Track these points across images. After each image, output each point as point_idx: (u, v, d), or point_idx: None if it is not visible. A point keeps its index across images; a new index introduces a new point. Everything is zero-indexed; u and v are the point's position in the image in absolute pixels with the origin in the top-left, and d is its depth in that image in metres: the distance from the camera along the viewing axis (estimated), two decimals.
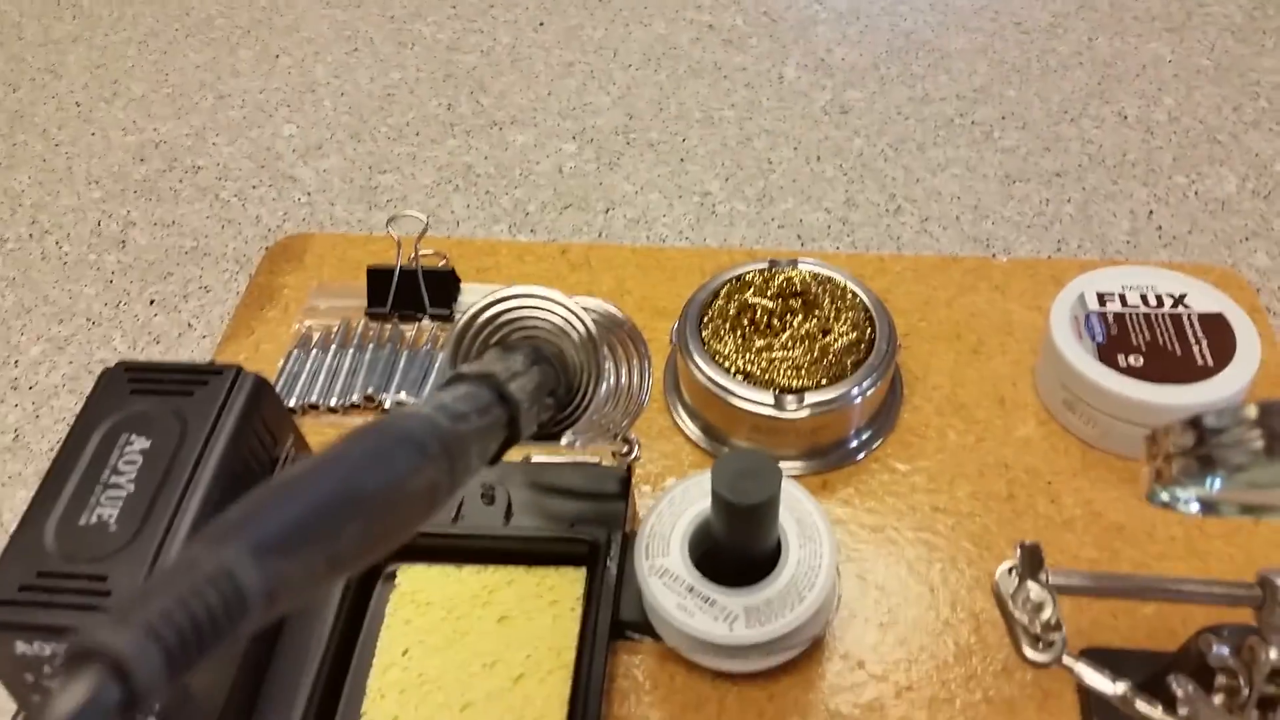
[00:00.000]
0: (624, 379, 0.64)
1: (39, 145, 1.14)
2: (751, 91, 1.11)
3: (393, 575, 0.68)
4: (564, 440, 0.56)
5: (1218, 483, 0.38)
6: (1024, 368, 0.76)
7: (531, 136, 1.07)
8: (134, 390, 0.60)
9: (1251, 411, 0.37)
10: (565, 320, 0.53)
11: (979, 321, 0.80)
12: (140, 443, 0.56)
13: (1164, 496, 0.41)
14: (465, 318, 0.52)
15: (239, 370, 0.63)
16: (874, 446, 0.75)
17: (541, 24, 1.24)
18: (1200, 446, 0.38)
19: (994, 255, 0.86)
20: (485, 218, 0.97)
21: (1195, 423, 0.39)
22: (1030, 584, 0.48)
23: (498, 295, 0.52)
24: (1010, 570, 0.49)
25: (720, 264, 0.85)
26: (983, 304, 0.81)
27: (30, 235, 1.00)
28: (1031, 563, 0.48)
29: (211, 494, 0.55)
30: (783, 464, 0.76)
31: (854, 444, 0.75)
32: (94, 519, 0.53)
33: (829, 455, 0.75)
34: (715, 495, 0.59)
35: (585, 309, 0.63)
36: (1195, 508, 0.40)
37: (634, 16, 1.24)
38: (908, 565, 0.66)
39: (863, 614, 0.64)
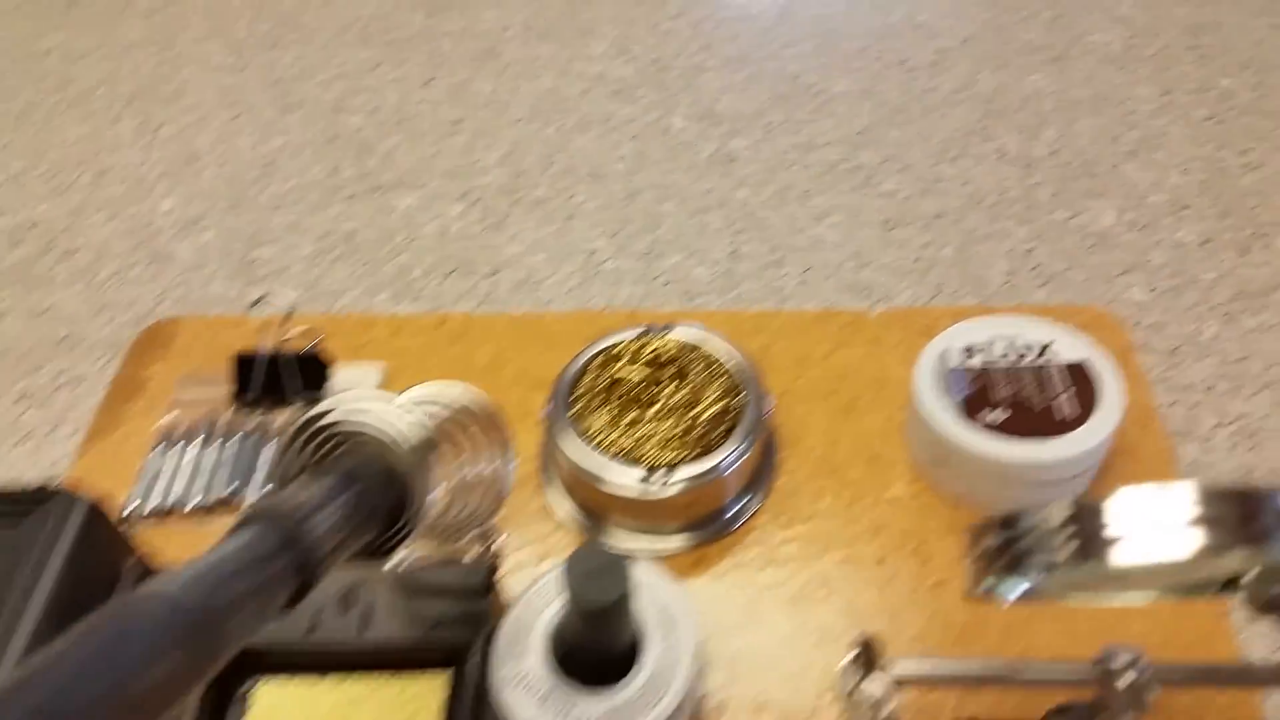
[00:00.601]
0: (482, 470, 0.63)
1: None
2: (639, 144, 1.11)
3: (245, 696, 0.65)
4: (399, 556, 0.54)
5: (1033, 581, 0.37)
6: (895, 424, 0.76)
7: (416, 199, 1.06)
8: None
9: (1062, 512, 0.36)
10: (392, 428, 0.51)
11: (853, 377, 0.80)
12: None
13: (982, 592, 0.40)
14: (287, 436, 0.50)
15: (69, 495, 0.60)
16: (750, 515, 0.73)
17: (429, 80, 1.23)
18: (1014, 546, 0.37)
19: (871, 307, 0.86)
20: (367, 287, 0.95)
21: (1009, 522, 0.38)
22: (869, 680, 0.47)
23: (318, 411, 0.50)
24: (854, 660, 0.49)
25: (601, 328, 0.84)
26: (857, 359, 0.81)
27: None
28: (868, 658, 0.47)
29: (41, 631, 0.53)
30: (660, 541, 0.75)
31: (731, 514, 0.74)
32: None
33: (707, 527, 0.73)
34: (569, 597, 0.57)
35: (431, 405, 0.62)
36: (1014, 598, 0.40)
37: (523, 70, 1.23)
38: (781, 643, 0.64)
39: (735, 701, 0.63)
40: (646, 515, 0.75)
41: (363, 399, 0.54)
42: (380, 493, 0.50)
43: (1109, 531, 0.35)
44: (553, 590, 0.62)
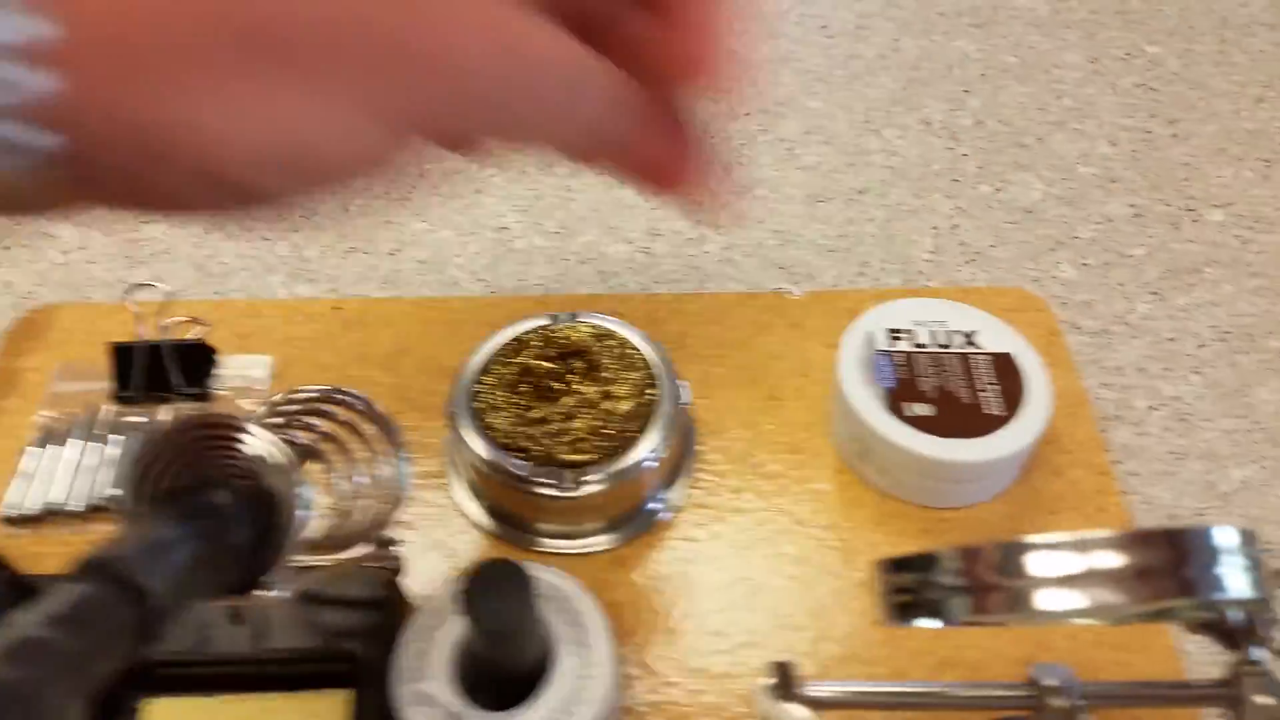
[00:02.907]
0: (378, 473, 0.59)
1: None
2: None
3: (134, 711, 0.61)
4: (269, 588, 0.49)
5: (953, 623, 0.35)
6: (819, 413, 0.73)
7: None
8: None
9: (987, 559, 0.34)
10: (261, 445, 0.47)
11: (775, 364, 0.76)
12: None
13: (899, 624, 0.37)
14: (135, 463, 0.45)
15: None
16: (669, 512, 0.71)
17: None
18: (930, 588, 0.35)
19: (792, 288, 0.83)
20: (259, 267, 0.89)
21: (924, 564, 0.35)
22: (789, 705, 0.44)
23: (164, 432, 0.45)
24: (766, 685, 0.45)
25: (509, 313, 0.80)
26: (779, 344, 0.78)
27: None
28: (785, 683, 0.44)
29: None
30: (583, 541, 0.71)
31: (650, 511, 0.71)
32: None
33: (625, 526, 0.70)
34: (467, 619, 0.53)
35: (315, 409, 0.57)
36: (935, 626, 0.37)
37: None
38: (705, 646, 0.61)
39: (660, 710, 0.59)
40: (560, 516, 0.72)
41: (212, 420, 0.49)
42: (241, 524, 0.46)
43: (1034, 580, 0.33)
44: (452, 603, 0.59)
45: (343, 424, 0.57)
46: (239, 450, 0.44)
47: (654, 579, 0.65)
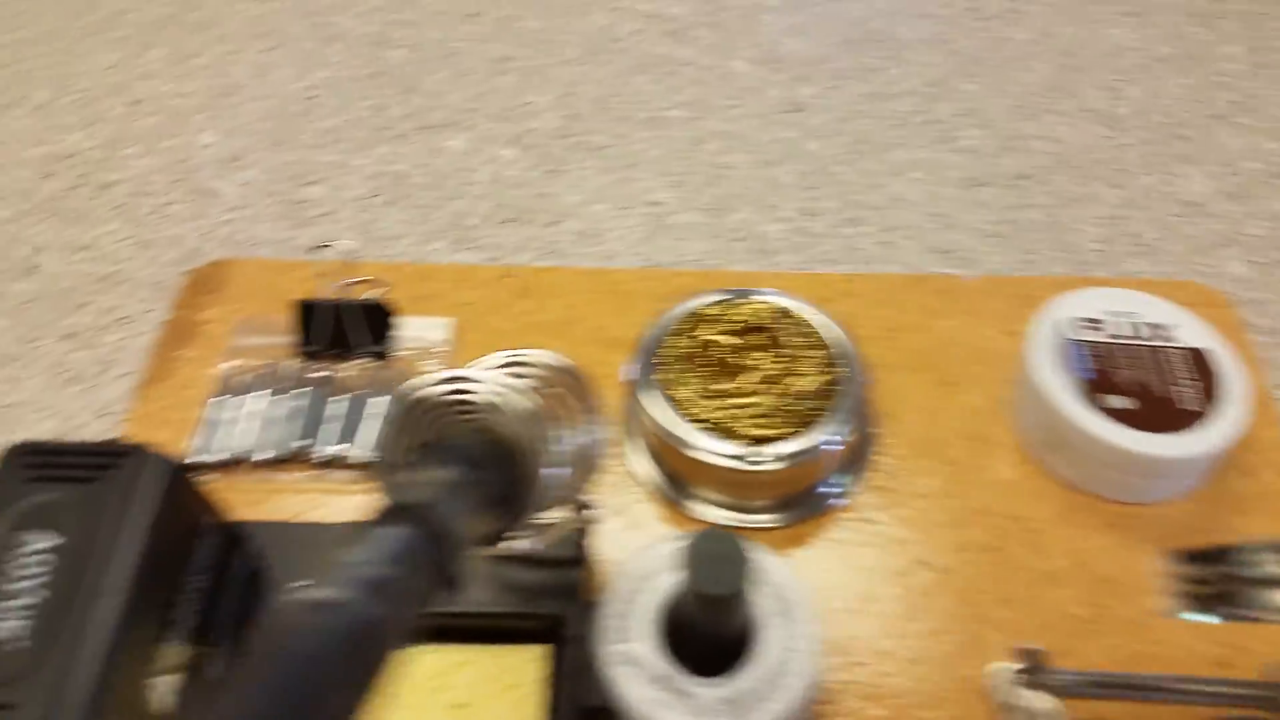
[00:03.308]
0: (578, 440, 0.59)
1: None
2: (700, 89, 1.06)
3: None
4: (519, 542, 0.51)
5: (1249, 617, 0.35)
6: (996, 400, 0.72)
7: (467, 141, 1.01)
8: (37, 478, 0.54)
9: (1265, 554, 0.33)
10: (508, 403, 0.48)
11: (950, 349, 0.76)
12: (42, 538, 0.51)
13: (1188, 617, 0.37)
14: (399, 410, 0.46)
15: (152, 453, 0.57)
16: (846, 494, 0.71)
17: (473, 14, 1.17)
18: (1225, 581, 0.35)
19: (962, 271, 0.82)
20: (421, 234, 0.91)
21: (1217, 557, 0.35)
22: (1035, 696, 0.44)
23: (426, 385, 0.46)
24: (1014, 671, 0.46)
25: (674, 288, 0.80)
26: (953, 329, 0.77)
27: None
28: (1034, 670, 0.44)
29: (128, 603, 0.50)
30: (749, 516, 0.71)
31: (824, 491, 0.71)
32: None
33: (799, 506, 0.70)
34: (688, 583, 0.54)
35: (522, 367, 0.58)
36: (1221, 620, 0.37)
37: (572, 5, 1.17)
38: (894, 629, 0.62)
39: (849, 689, 0.60)
40: (738, 489, 0.72)
41: (469, 375, 0.50)
42: (502, 476, 0.47)
43: None
44: (659, 566, 0.60)
45: (552, 392, 0.58)
46: (488, 407, 0.45)
47: (835, 559, 0.65)
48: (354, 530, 0.35)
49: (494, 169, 0.98)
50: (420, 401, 0.48)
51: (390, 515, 0.36)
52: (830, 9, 1.14)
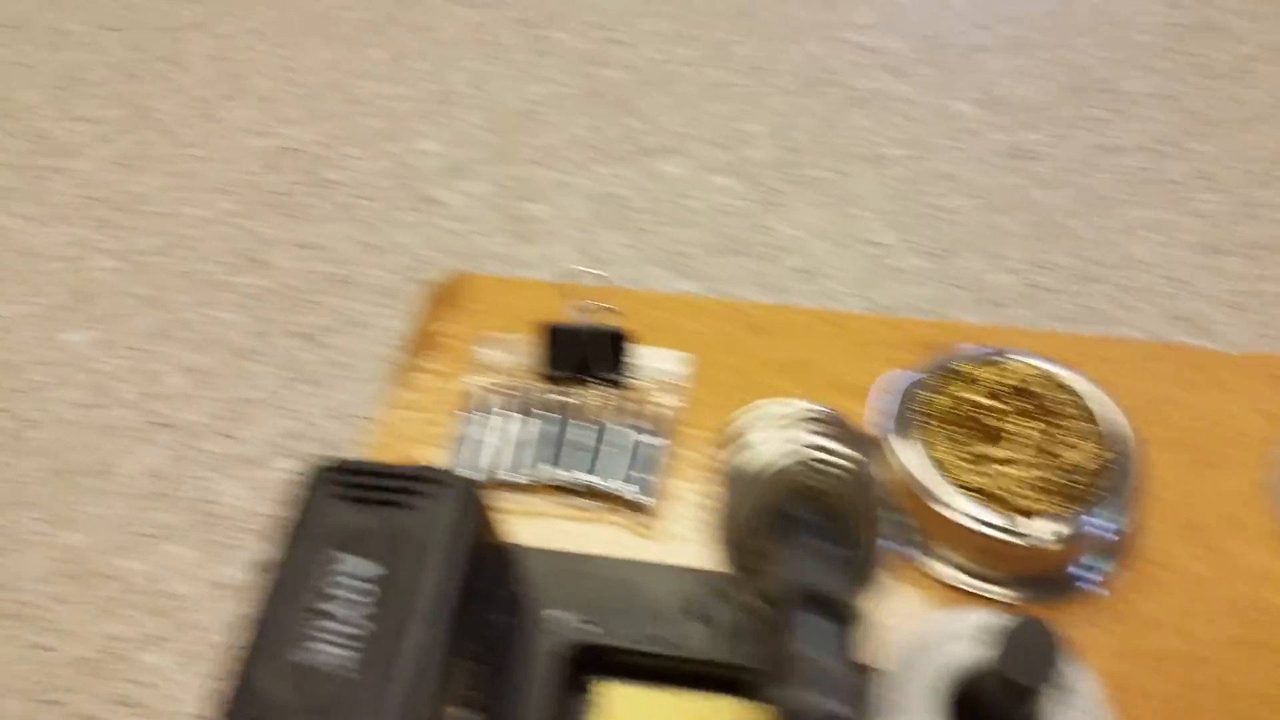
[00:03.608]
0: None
1: (165, 146, 1.10)
2: (920, 127, 1.05)
3: (587, 689, 0.63)
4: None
5: None
6: (1254, 484, 0.70)
7: (684, 167, 1.02)
8: (346, 498, 0.55)
9: None
10: (856, 471, 0.48)
11: (1208, 426, 0.74)
12: (361, 565, 0.52)
13: None
14: (744, 483, 0.46)
15: (461, 479, 0.58)
16: (1099, 575, 0.69)
17: (686, 37, 1.18)
18: None
19: (1213, 345, 0.80)
20: (641, 258, 0.91)
21: None
22: None
23: (775, 454, 0.46)
24: None
25: (909, 336, 0.79)
26: (1207, 404, 0.75)
27: (163, 249, 0.96)
28: None
29: (442, 631, 0.51)
30: (990, 587, 0.70)
31: (1075, 572, 0.70)
32: (315, 659, 0.48)
33: (1047, 584, 0.69)
34: (998, 668, 0.53)
35: (821, 424, 0.57)
36: None
37: (785, 33, 1.17)
38: None
39: None
40: (988, 558, 0.71)
41: (815, 441, 0.50)
42: (848, 549, 0.47)
43: None
44: (940, 639, 0.59)
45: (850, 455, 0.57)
46: (841, 478, 0.45)
47: (1094, 647, 0.64)
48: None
49: (711, 197, 0.98)
50: (778, 473, 0.47)
51: (810, 603, 0.36)
52: (1051, 54, 1.12)
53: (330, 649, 0.50)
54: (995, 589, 0.70)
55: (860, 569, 0.48)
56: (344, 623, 0.51)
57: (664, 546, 0.71)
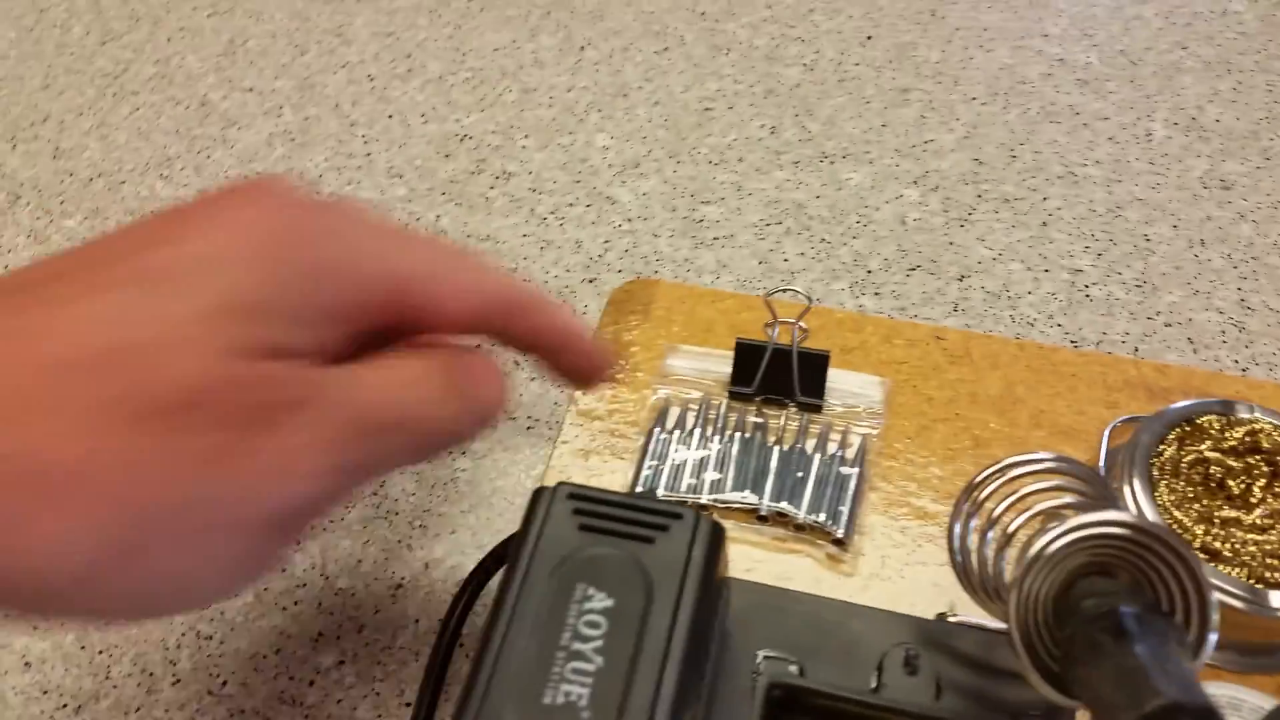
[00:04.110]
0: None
1: (333, 123, 1.09)
2: (1117, 148, 1.00)
3: None
4: None
5: None
6: None
7: (867, 175, 0.98)
8: (584, 526, 0.54)
9: None
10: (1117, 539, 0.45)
11: None
12: (600, 599, 0.50)
13: None
14: (1038, 571, 0.43)
15: (698, 515, 0.56)
16: None
17: (869, 38, 1.14)
18: None
19: None
20: (823, 271, 0.88)
21: None
22: None
23: (1063, 539, 0.44)
24: None
25: (1125, 377, 0.76)
26: None
27: None
28: None
29: (683, 675, 0.49)
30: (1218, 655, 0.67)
31: None
32: (561, 698, 0.47)
33: (1268, 656, 0.66)
34: None
35: (1080, 479, 0.54)
36: None
37: (972, 38, 1.13)
38: None
39: None
40: (1223, 629, 0.67)
41: (1101, 519, 0.47)
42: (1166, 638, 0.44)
43: None
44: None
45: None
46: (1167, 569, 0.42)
47: None
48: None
49: (897, 209, 0.95)
50: (1054, 554, 0.45)
51: (1188, 717, 0.33)
52: (1255, 78, 1.06)
53: (570, 686, 0.48)
54: (1219, 657, 0.66)
55: (1194, 655, 0.45)
56: (582, 657, 0.49)
57: (862, 583, 0.69)
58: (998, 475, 0.57)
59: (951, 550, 0.56)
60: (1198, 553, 0.61)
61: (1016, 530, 0.55)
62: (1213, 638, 0.43)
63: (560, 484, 0.54)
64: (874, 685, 0.58)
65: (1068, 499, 0.55)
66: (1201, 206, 0.93)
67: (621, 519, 0.52)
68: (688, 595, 0.49)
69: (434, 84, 1.13)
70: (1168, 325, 0.83)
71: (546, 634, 0.48)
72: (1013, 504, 0.55)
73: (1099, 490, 0.55)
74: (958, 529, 0.56)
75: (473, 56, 1.15)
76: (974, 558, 0.55)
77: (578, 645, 0.48)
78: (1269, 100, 1.03)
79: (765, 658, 0.58)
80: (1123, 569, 0.44)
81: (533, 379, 0.78)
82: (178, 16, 1.23)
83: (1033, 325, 0.83)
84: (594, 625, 0.49)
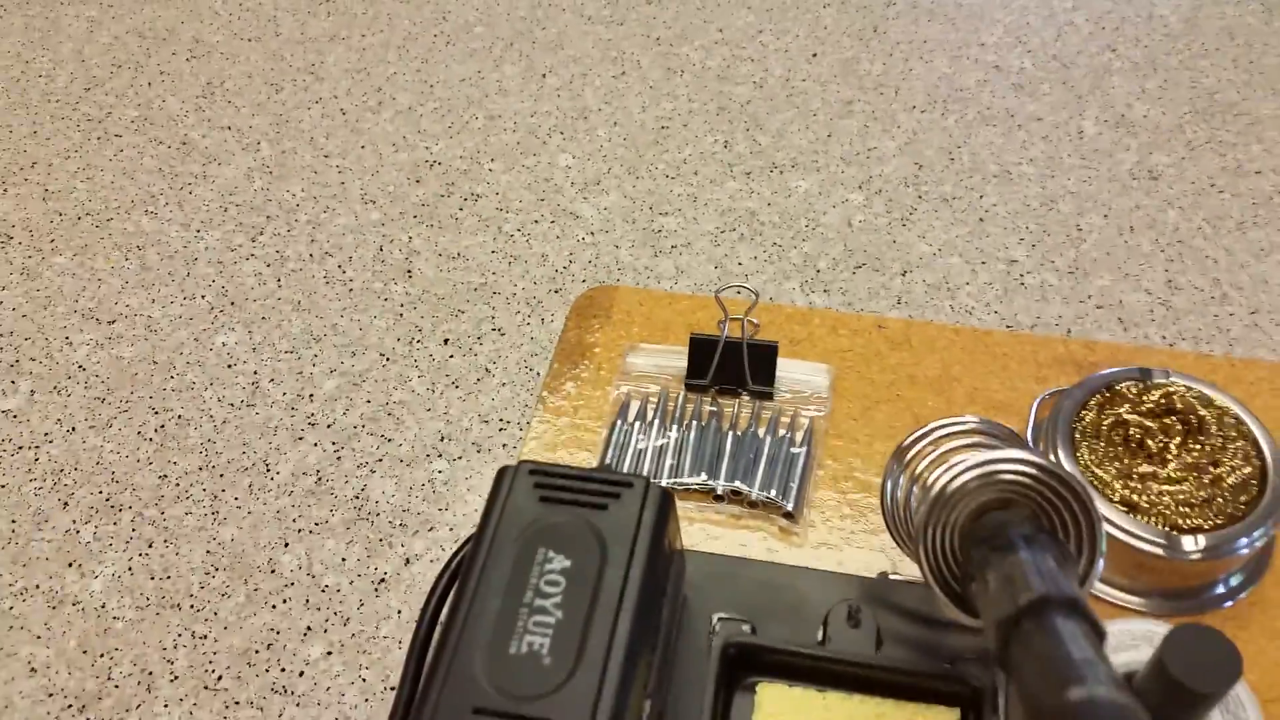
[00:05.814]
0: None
1: (308, 155, 1.15)
2: (1050, 146, 1.06)
3: (752, 687, 0.65)
4: None
5: None
6: None
7: (814, 183, 1.04)
8: (543, 498, 0.58)
9: None
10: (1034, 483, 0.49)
11: None
12: (559, 561, 0.55)
13: None
14: (934, 506, 0.48)
15: (648, 482, 0.61)
16: (1242, 593, 0.70)
17: (815, 55, 1.20)
18: None
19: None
20: (775, 272, 0.94)
21: None
22: None
23: (958, 476, 0.48)
24: None
25: (1054, 354, 0.80)
26: None
27: (311, 256, 1.00)
28: None
29: (635, 625, 0.53)
30: (1128, 597, 0.71)
31: (1221, 590, 0.70)
32: (524, 648, 0.51)
33: (1190, 599, 0.70)
34: (1164, 673, 0.54)
35: (995, 436, 0.59)
36: None
37: (912, 50, 1.19)
38: None
39: None
40: (1144, 575, 0.72)
41: (1011, 456, 0.52)
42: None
43: None
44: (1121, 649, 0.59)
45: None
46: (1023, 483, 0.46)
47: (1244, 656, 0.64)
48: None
49: (843, 212, 1.00)
50: (979, 488, 0.49)
51: (1063, 610, 0.38)
52: (1179, 75, 1.13)
53: (533, 638, 0.53)
54: (1129, 598, 0.71)
55: (1084, 576, 0.50)
56: (543, 612, 0.54)
57: (812, 552, 0.74)
58: (924, 437, 0.62)
59: (884, 506, 0.61)
60: (1118, 506, 0.66)
61: (934, 480, 0.59)
62: (1100, 563, 0.48)
63: (522, 462, 0.58)
64: (820, 639, 0.62)
65: (984, 454, 0.60)
66: (1131, 196, 0.98)
67: (578, 489, 0.57)
68: (639, 552, 0.54)
69: (404, 114, 1.18)
70: (1099, 307, 0.88)
71: (510, 594, 0.53)
72: (934, 459, 0.60)
73: (1014, 445, 0.60)
74: (889, 485, 0.61)
75: (440, 87, 1.21)
76: (901, 510, 0.60)
77: (539, 601, 0.53)
78: (1193, 95, 1.09)
79: (720, 619, 0.62)
80: (1023, 504, 0.49)
81: (504, 384, 0.83)
82: (158, 61, 1.28)
83: (971, 313, 0.88)
84: (554, 584, 0.54)
